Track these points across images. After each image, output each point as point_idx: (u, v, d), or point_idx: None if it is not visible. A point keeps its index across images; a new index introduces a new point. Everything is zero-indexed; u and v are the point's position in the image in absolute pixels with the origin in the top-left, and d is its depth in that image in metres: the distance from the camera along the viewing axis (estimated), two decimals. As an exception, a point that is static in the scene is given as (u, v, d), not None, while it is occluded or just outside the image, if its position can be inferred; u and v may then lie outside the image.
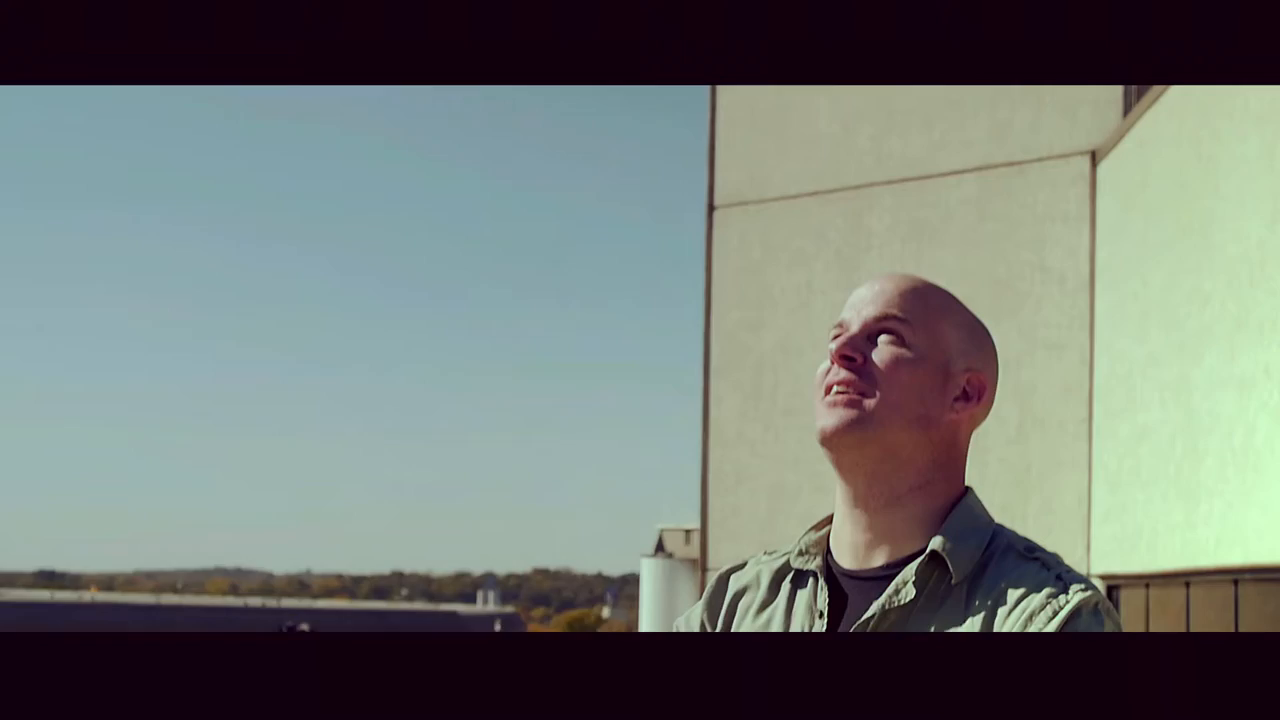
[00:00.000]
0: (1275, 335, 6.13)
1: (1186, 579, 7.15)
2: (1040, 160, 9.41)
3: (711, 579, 2.15)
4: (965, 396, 2.01)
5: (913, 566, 1.92)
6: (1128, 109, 8.96)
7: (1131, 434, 8.16)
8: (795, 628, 2.00)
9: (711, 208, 10.87)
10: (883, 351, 1.99)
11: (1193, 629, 7.35)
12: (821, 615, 1.97)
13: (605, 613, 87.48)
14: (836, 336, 2.02)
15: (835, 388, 1.98)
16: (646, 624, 26.18)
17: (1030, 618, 1.85)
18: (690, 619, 2.15)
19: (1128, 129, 8.54)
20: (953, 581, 1.90)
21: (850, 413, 1.95)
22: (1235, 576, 6.55)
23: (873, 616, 1.92)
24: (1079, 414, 9.11)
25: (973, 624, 1.88)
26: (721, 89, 10.88)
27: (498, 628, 36.35)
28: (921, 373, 1.99)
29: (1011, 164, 9.52)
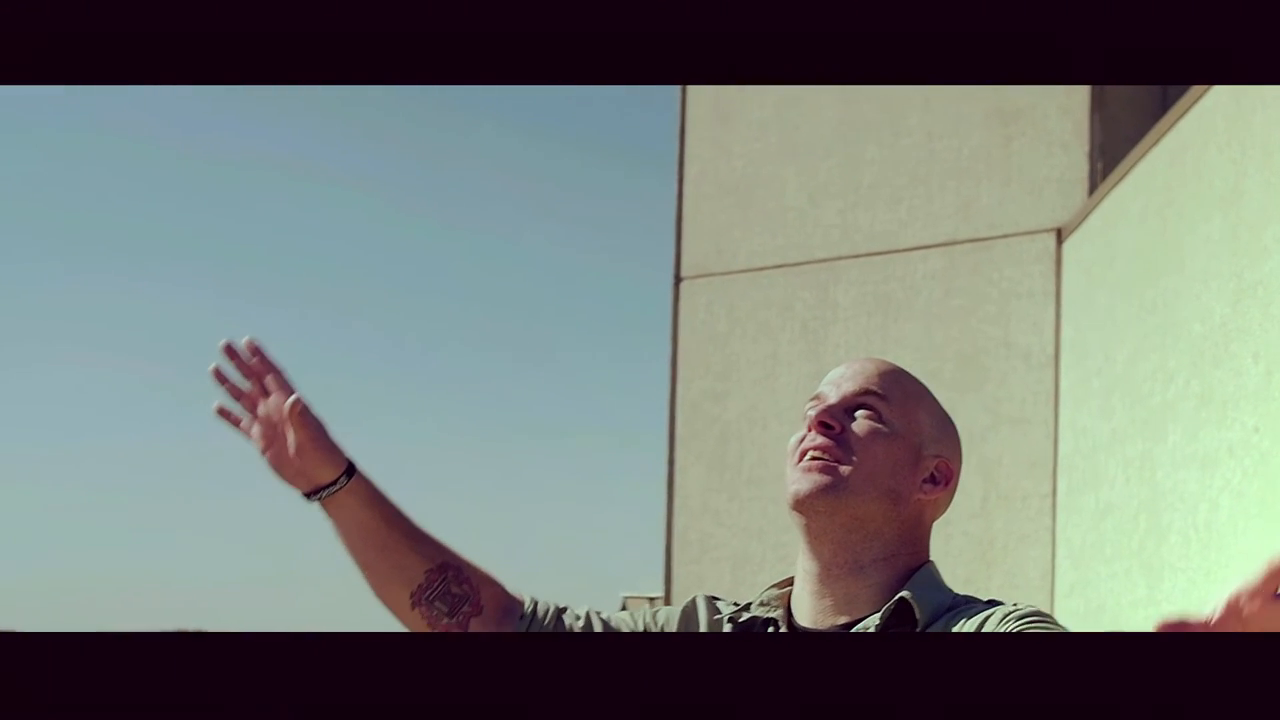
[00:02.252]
0: (1238, 414, 6.17)
1: None
2: (1006, 237, 9.48)
3: (688, 600, 2.16)
4: (933, 480, 2.04)
5: (879, 614, 1.93)
6: (1093, 187, 9.04)
7: (1095, 509, 8.19)
8: None
9: (678, 278, 10.91)
10: (860, 424, 2.01)
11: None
12: None
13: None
14: (813, 407, 2.04)
15: (811, 453, 2.00)
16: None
17: (980, 626, 1.87)
18: (657, 615, 2.15)
19: (1093, 207, 8.61)
20: (917, 624, 1.91)
21: (824, 478, 1.97)
22: (1198, 654, 6.56)
23: None
24: (1043, 489, 9.13)
25: None
26: (689, 159, 10.94)
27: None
28: (896, 449, 2.01)
29: (977, 240, 9.58)
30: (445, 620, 2.11)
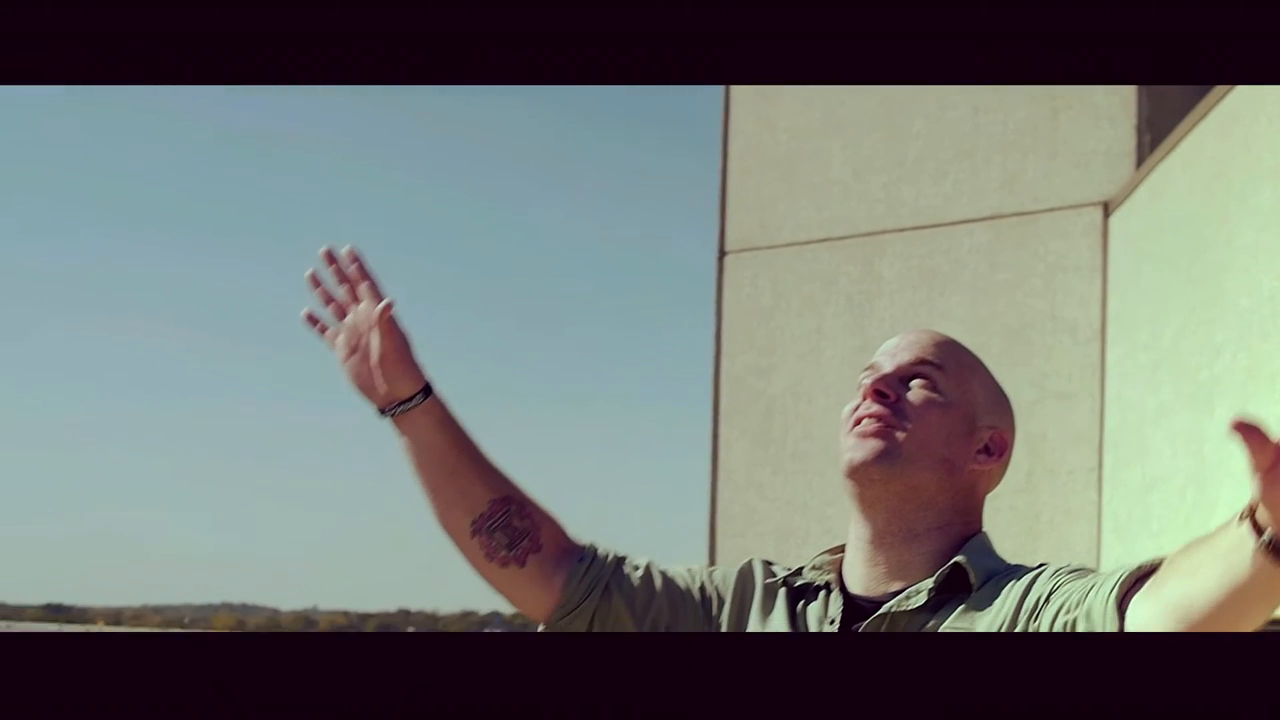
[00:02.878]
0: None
1: None
2: (1052, 210, 9.43)
3: (744, 561, 2.16)
4: (988, 451, 2.03)
5: (933, 579, 1.93)
6: (1140, 160, 8.98)
7: (1142, 484, 8.15)
8: (804, 632, 2.01)
9: (722, 253, 10.89)
10: (915, 393, 2.02)
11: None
12: (832, 622, 1.98)
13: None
14: (868, 376, 2.04)
15: (866, 420, 2.00)
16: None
17: (1030, 585, 1.87)
18: (713, 575, 2.15)
19: (1141, 180, 8.56)
20: (971, 588, 1.91)
21: (879, 445, 1.98)
22: None
23: (882, 616, 1.92)
24: (1089, 463, 9.10)
25: (979, 622, 1.89)
26: (733, 133, 10.92)
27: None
28: (950, 418, 2.01)
29: (1024, 214, 9.54)
30: (503, 553, 2.10)
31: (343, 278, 2.17)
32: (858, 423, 2.02)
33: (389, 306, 2.10)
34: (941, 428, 2.00)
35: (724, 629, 2.09)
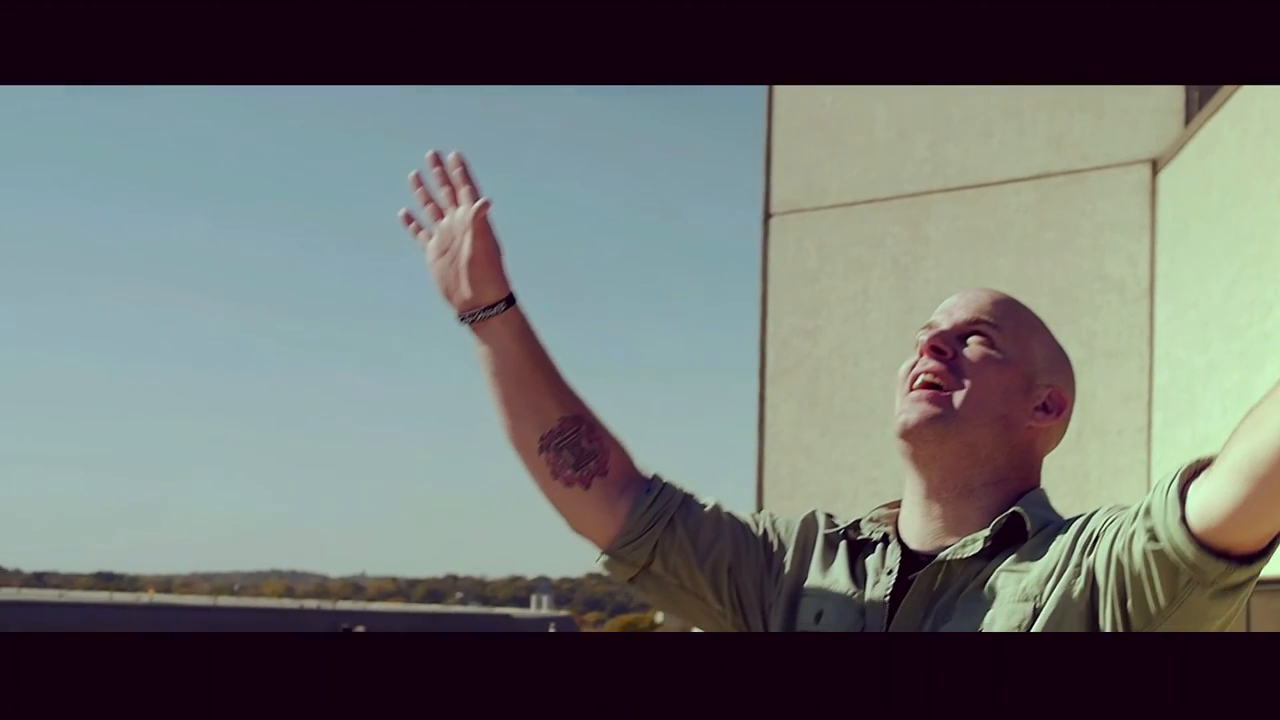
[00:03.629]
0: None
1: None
2: (1100, 169, 9.37)
3: (808, 511, 2.17)
4: (1045, 409, 2.03)
5: (989, 528, 1.94)
6: (1189, 117, 8.91)
7: (1192, 442, 8.12)
8: (863, 582, 2.02)
9: (768, 215, 10.87)
10: (972, 350, 2.02)
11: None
12: (890, 572, 1.98)
13: (659, 617, 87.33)
14: (925, 333, 2.04)
15: (922, 377, 2.00)
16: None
17: (1083, 525, 1.89)
18: (777, 523, 2.17)
19: (1189, 137, 8.49)
20: (1027, 536, 1.92)
21: (933, 409, 1.98)
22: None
23: (939, 564, 1.93)
24: (1138, 422, 9.07)
25: (1032, 569, 1.90)
26: (778, 95, 10.88)
27: (552, 631, 36.39)
28: (1008, 375, 2.01)
29: (1071, 172, 9.48)
30: (569, 471, 2.10)
31: (445, 180, 2.18)
32: (914, 380, 2.02)
33: (486, 205, 2.10)
34: (998, 384, 1.99)
35: (786, 576, 2.10)
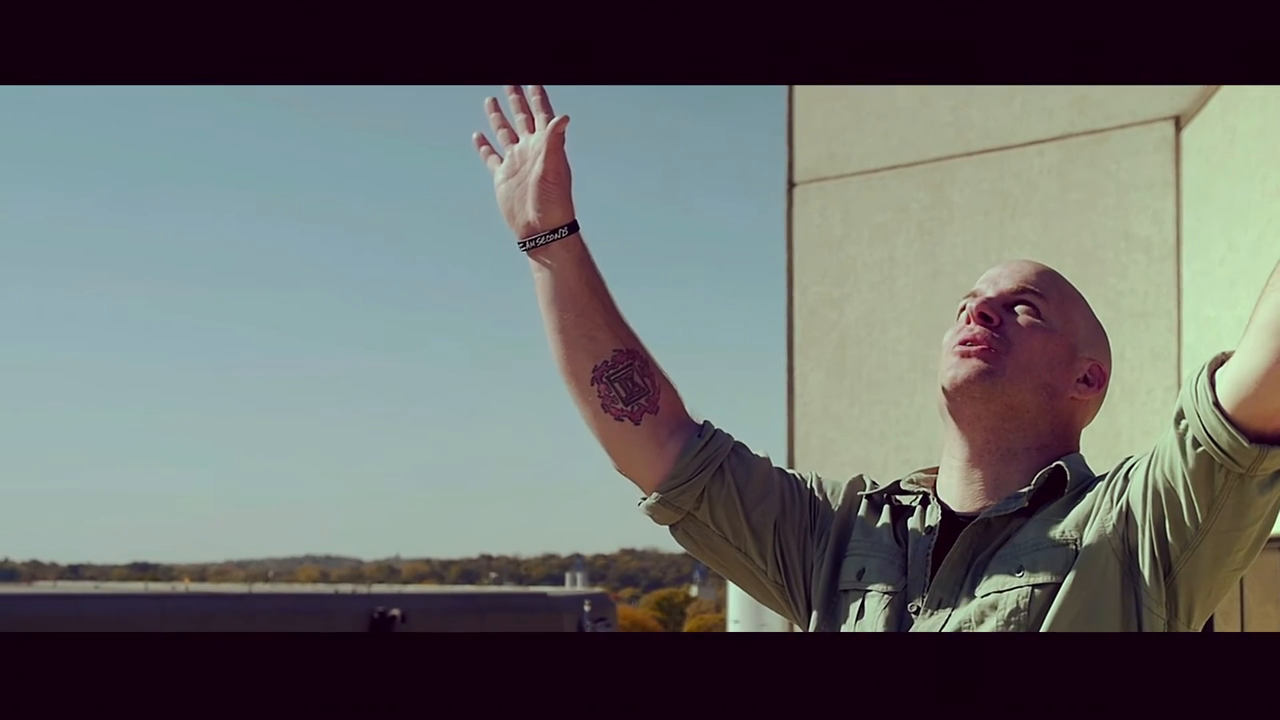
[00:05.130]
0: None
1: (1278, 544, 7.10)
2: (1123, 127, 9.34)
3: (855, 475, 2.18)
4: (1087, 381, 2.04)
5: (1031, 484, 1.94)
6: (1211, 72, 8.85)
7: (1222, 400, 8.09)
8: (905, 541, 2.02)
9: (791, 184, 10.86)
10: (1019, 317, 2.02)
11: (1289, 596, 7.29)
12: (930, 530, 1.99)
13: (694, 591, 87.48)
14: (971, 301, 2.05)
15: (969, 342, 2.01)
16: (734, 601, 26.21)
17: (1119, 466, 1.91)
18: (824, 484, 2.17)
19: (1213, 92, 8.45)
20: (1066, 485, 1.93)
21: (982, 364, 1.99)
22: (1332, 542, 6.49)
23: (983, 521, 1.94)
24: (1167, 381, 9.04)
25: (1068, 518, 1.91)
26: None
27: (587, 608, 36.47)
28: (1053, 344, 2.03)
29: (1094, 132, 9.45)
30: (619, 405, 2.08)
31: (522, 107, 2.18)
32: (961, 344, 2.02)
33: (565, 120, 2.10)
34: (1044, 352, 2.01)
35: (830, 535, 2.10)
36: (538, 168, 2.09)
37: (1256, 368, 1.71)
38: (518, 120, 2.16)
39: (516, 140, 2.16)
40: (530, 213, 2.10)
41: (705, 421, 2.13)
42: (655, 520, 2.12)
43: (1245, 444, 1.73)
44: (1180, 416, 1.78)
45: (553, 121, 2.09)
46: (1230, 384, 1.74)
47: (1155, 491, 1.84)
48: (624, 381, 2.10)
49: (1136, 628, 1.80)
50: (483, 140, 2.20)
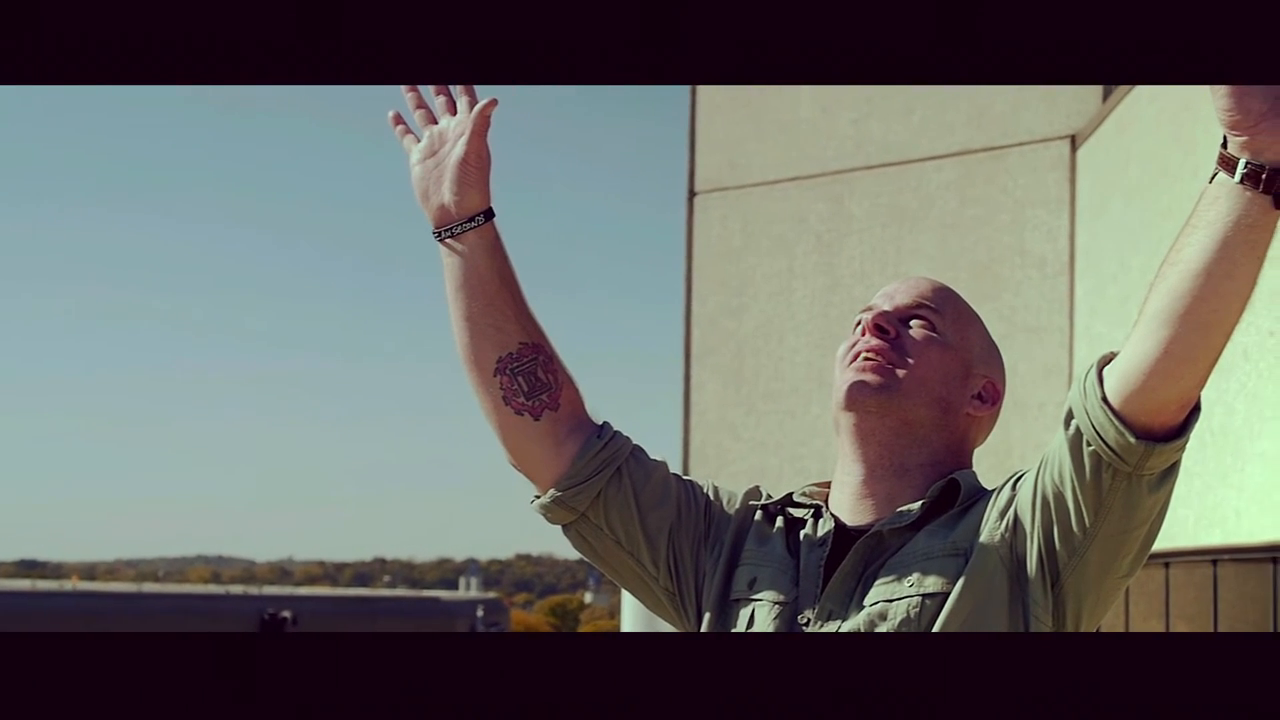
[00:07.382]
0: (1254, 318, 6.17)
1: (1166, 560, 7.19)
2: (1020, 145, 9.44)
3: (750, 486, 2.16)
4: (981, 399, 2.05)
5: (924, 497, 1.94)
6: (1108, 93, 8.99)
7: (1111, 417, 8.20)
8: (797, 553, 2.02)
9: (692, 193, 10.88)
10: (915, 331, 2.02)
11: (1171, 609, 7.40)
12: (822, 544, 1.98)
13: (588, 598, 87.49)
14: (867, 313, 2.05)
15: (865, 354, 2.00)
16: (628, 608, 26.19)
17: (1007, 480, 1.92)
18: (721, 492, 2.16)
19: (1108, 113, 8.57)
20: (959, 497, 1.93)
21: (877, 378, 1.98)
22: (1214, 557, 6.60)
23: (875, 535, 1.94)
24: (1059, 397, 9.15)
25: (959, 528, 1.91)
26: (702, 74, 10.86)
27: (480, 614, 36.29)
28: (949, 359, 2.02)
29: (991, 149, 9.55)
30: (520, 399, 2.04)
31: (442, 91, 2.14)
32: (856, 357, 2.02)
33: (493, 103, 2.06)
34: (940, 366, 2.01)
35: (724, 544, 2.09)
36: (459, 149, 2.04)
37: (1144, 358, 1.71)
38: (437, 103, 2.13)
39: (435, 122, 2.12)
40: (447, 195, 2.05)
41: (605, 423, 2.10)
42: (548, 519, 2.09)
43: (1132, 440, 1.73)
44: (1070, 417, 1.78)
45: (480, 104, 2.04)
46: (1118, 377, 1.74)
47: (1044, 498, 1.84)
48: (527, 375, 2.06)
49: None
50: (399, 119, 2.16)
